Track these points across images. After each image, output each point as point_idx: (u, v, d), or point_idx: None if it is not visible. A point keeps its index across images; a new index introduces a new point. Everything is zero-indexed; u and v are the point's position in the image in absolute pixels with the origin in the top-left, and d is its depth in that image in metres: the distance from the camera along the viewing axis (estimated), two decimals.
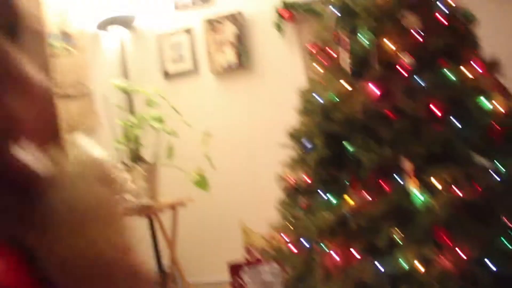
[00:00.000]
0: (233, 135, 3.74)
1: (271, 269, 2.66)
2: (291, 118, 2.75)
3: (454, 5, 2.38)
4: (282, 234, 2.55)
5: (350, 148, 2.18)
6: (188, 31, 3.90)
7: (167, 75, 3.89)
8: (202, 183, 3.16)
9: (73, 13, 3.79)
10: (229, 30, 3.80)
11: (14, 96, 0.37)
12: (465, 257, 1.83)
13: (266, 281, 2.57)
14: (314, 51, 2.59)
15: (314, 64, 2.60)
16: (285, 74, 3.69)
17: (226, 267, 3.05)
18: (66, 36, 3.68)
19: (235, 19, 3.79)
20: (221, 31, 3.82)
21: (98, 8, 3.71)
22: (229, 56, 3.79)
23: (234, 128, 3.75)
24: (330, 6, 2.51)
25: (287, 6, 3.67)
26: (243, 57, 3.76)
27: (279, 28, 3.70)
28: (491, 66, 2.35)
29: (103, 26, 3.80)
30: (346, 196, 2.19)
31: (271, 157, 2.91)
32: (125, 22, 3.81)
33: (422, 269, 1.88)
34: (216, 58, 3.81)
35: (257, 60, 3.80)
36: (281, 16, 3.68)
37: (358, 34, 2.27)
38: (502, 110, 2.11)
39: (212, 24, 3.84)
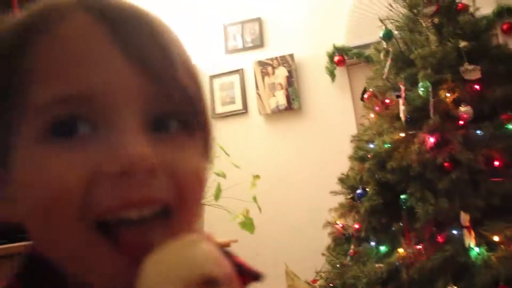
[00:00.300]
0: (281, 177, 3.72)
1: None
2: (341, 163, 2.73)
3: None
4: (327, 282, 2.51)
5: (404, 198, 2.13)
6: (239, 72, 3.98)
7: (216, 115, 3.96)
8: (248, 225, 3.14)
9: None
10: (280, 72, 3.85)
11: None
12: None
13: None
14: (367, 97, 2.59)
15: (367, 110, 2.60)
16: (335, 118, 3.68)
17: None
18: None
19: (286, 61, 3.85)
20: (271, 73, 3.88)
21: None
22: (279, 98, 3.82)
23: (282, 171, 3.74)
24: (385, 54, 2.52)
25: (338, 51, 3.70)
26: (293, 99, 3.79)
27: (330, 72, 3.72)
28: None
29: None
30: (398, 247, 2.14)
31: (319, 201, 2.88)
32: None
33: None
34: (266, 100, 3.85)
35: (307, 103, 3.81)
36: (332, 60, 3.71)
37: (416, 83, 2.26)
38: None
39: (263, 66, 3.90)
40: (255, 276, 0.56)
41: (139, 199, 0.37)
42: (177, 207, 0.39)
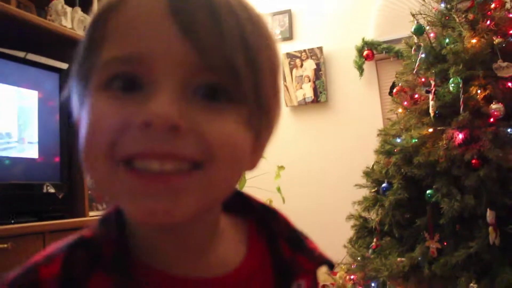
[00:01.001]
0: (305, 169, 3.76)
1: None
2: (366, 156, 2.76)
3: None
4: (349, 273, 2.54)
5: (430, 193, 2.14)
6: None
7: None
8: None
9: None
10: (308, 65, 3.87)
11: None
12: None
13: None
14: (396, 92, 2.60)
15: (395, 104, 2.61)
16: (362, 112, 3.70)
17: None
18: None
19: (315, 54, 3.86)
20: (300, 66, 3.90)
21: None
22: (306, 90, 3.84)
23: (307, 163, 3.78)
24: (416, 48, 2.52)
25: (367, 45, 3.70)
26: (320, 92, 3.81)
27: (358, 66, 3.72)
28: None
29: None
30: (421, 242, 2.16)
31: (342, 194, 2.92)
32: None
33: None
34: (293, 92, 3.88)
35: (334, 96, 3.83)
36: (361, 54, 3.71)
37: (446, 79, 2.25)
38: None
39: (292, 58, 3.92)
40: (327, 263, 0.59)
41: (159, 152, 0.40)
42: (206, 165, 0.42)
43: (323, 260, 0.57)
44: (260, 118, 0.46)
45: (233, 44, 0.43)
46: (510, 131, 2.08)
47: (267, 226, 0.55)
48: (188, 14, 0.41)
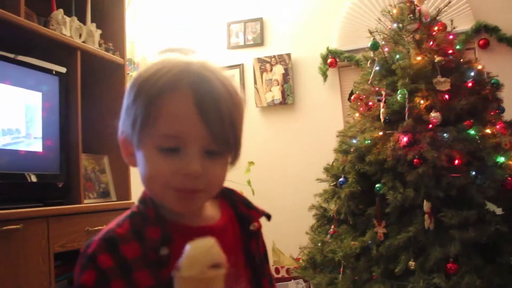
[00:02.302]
0: (273, 164, 4.09)
1: (298, 284, 2.96)
2: (327, 154, 3.07)
3: (482, 72, 2.73)
4: (310, 256, 2.86)
5: (378, 187, 2.49)
6: (239, 67, 4.32)
7: None
8: None
9: (139, 43, 4.25)
10: (277, 70, 4.20)
11: None
12: None
13: None
14: (353, 99, 2.94)
15: (353, 110, 2.95)
16: (325, 114, 4.04)
17: None
18: (132, 64, 4.12)
19: (284, 60, 4.19)
20: (269, 70, 4.22)
21: (161, 40, 4.17)
22: (275, 93, 4.18)
23: (275, 159, 4.11)
24: (371, 62, 2.87)
25: (331, 53, 4.04)
26: (287, 95, 4.15)
27: (322, 72, 4.06)
28: (511, 126, 2.67)
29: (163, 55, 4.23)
30: (371, 228, 2.50)
31: (306, 187, 3.20)
32: (184, 53, 4.24)
33: None
34: (263, 94, 4.21)
35: (300, 99, 4.17)
36: (325, 61, 4.06)
37: (395, 90, 2.61)
38: None
39: (262, 63, 4.24)
40: (266, 214, 0.98)
41: (192, 187, 0.78)
42: (207, 189, 0.81)
43: (264, 213, 0.96)
44: (236, 156, 0.85)
45: (227, 128, 0.78)
46: (445, 135, 2.44)
47: (230, 199, 0.94)
48: (205, 112, 0.77)
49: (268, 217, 0.98)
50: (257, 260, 0.94)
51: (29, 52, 2.34)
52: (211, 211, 0.90)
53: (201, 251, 0.70)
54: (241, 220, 0.93)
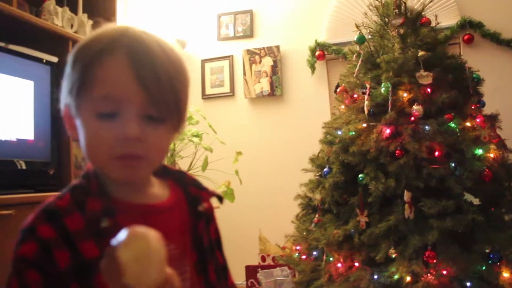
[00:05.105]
0: (260, 154, 4.16)
1: (282, 271, 3.04)
2: (313, 145, 3.13)
3: (464, 67, 2.80)
4: (295, 244, 2.94)
5: (361, 177, 2.57)
6: (229, 58, 4.38)
7: (206, 96, 4.36)
8: (229, 194, 3.57)
9: None
10: (266, 62, 4.26)
11: None
12: (447, 275, 2.22)
13: (278, 279, 2.95)
14: (339, 91, 3.01)
15: (338, 102, 3.02)
16: (312, 105, 4.12)
17: (242, 271, 3.41)
18: None
19: (273, 52, 4.25)
20: (258, 62, 4.29)
21: (152, 30, 4.21)
22: (263, 84, 4.24)
23: (262, 149, 4.18)
24: (357, 55, 2.94)
25: (319, 46, 4.12)
26: (276, 86, 4.22)
27: (310, 64, 4.14)
28: (490, 120, 2.76)
29: None
30: (354, 216, 2.58)
31: (292, 177, 3.23)
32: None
33: (410, 282, 2.27)
34: (252, 85, 4.27)
35: (288, 90, 4.24)
36: (313, 54, 4.13)
37: (379, 83, 2.68)
38: (494, 158, 2.50)
39: (251, 54, 4.30)
40: (217, 195, 0.99)
41: (131, 152, 0.76)
42: (148, 156, 0.79)
43: (215, 193, 0.97)
44: (179, 124, 0.85)
45: (166, 91, 0.78)
46: (426, 128, 2.52)
47: (180, 181, 0.94)
48: (141, 74, 0.77)
49: (220, 198, 0.99)
50: (206, 244, 0.93)
51: (21, 41, 2.37)
52: (159, 191, 0.89)
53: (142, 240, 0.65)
54: (191, 202, 0.91)
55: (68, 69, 0.80)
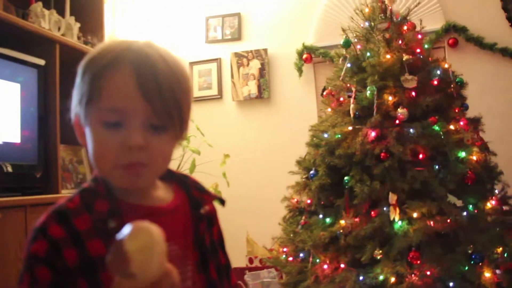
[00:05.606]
0: (248, 157, 4.19)
1: (269, 273, 3.06)
2: (300, 147, 3.16)
3: (448, 71, 2.84)
4: (282, 246, 2.96)
5: (347, 179, 2.60)
6: (216, 61, 4.40)
7: (193, 98, 4.36)
8: None
9: (118, 37, 4.28)
10: (254, 64, 4.29)
11: None
12: (430, 276, 2.26)
13: (265, 281, 2.98)
14: (326, 94, 3.04)
15: (325, 105, 3.05)
16: (299, 108, 4.15)
17: None
18: None
19: (260, 55, 4.28)
20: (246, 64, 4.31)
21: (140, 33, 4.22)
22: (251, 87, 4.27)
23: (250, 152, 4.21)
24: (343, 59, 2.97)
25: (307, 49, 4.16)
26: (263, 89, 4.24)
27: (298, 67, 4.17)
28: (473, 123, 2.81)
29: None
30: (340, 219, 2.61)
31: (279, 179, 3.28)
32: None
33: (395, 283, 2.30)
34: (240, 88, 4.29)
35: (276, 93, 4.27)
36: (301, 57, 4.16)
37: (365, 86, 2.72)
38: (477, 161, 2.55)
39: (239, 57, 4.33)
40: (219, 198, 1.03)
41: (135, 160, 0.81)
42: (151, 163, 0.83)
43: (217, 197, 1.01)
44: (182, 131, 0.89)
45: (168, 102, 0.82)
46: (411, 131, 2.55)
47: (184, 184, 0.98)
48: (145, 85, 0.81)
49: (222, 202, 1.03)
50: (208, 244, 0.97)
51: (8, 44, 2.37)
52: (164, 194, 0.93)
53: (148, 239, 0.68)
54: (193, 204, 0.96)
55: (78, 80, 0.86)
